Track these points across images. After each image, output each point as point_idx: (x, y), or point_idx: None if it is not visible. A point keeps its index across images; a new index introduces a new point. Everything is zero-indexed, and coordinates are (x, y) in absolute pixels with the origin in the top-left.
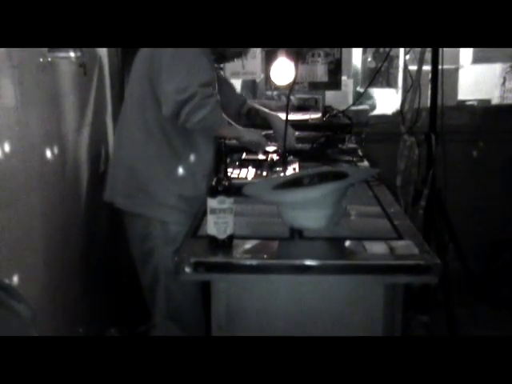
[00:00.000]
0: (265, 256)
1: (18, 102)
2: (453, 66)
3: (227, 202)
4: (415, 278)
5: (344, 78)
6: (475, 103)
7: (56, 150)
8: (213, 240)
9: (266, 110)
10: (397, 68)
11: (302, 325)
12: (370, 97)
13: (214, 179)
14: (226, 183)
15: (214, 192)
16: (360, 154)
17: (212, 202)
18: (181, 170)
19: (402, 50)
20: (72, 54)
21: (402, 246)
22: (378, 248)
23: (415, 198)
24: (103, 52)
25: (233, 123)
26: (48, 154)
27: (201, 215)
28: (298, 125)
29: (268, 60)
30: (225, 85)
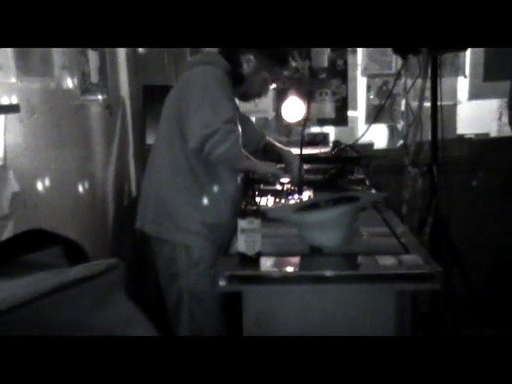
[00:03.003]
0: (290, 269)
1: (56, 142)
2: (451, 102)
3: (255, 223)
4: (421, 285)
5: (351, 112)
6: (473, 136)
7: (87, 186)
8: (243, 256)
9: (280, 145)
10: (399, 104)
11: (324, 329)
12: None
13: (244, 203)
14: (254, 207)
15: (244, 214)
16: (368, 183)
17: (242, 223)
18: (204, 200)
19: (403, 87)
20: (100, 97)
21: (409, 258)
22: (388, 261)
23: (420, 226)
24: (126, 94)
25: (251, 157)
26: (80, 189)
27: (229, 237)
28: (309, 158)
29: (279, 98)
30: (245, 122)
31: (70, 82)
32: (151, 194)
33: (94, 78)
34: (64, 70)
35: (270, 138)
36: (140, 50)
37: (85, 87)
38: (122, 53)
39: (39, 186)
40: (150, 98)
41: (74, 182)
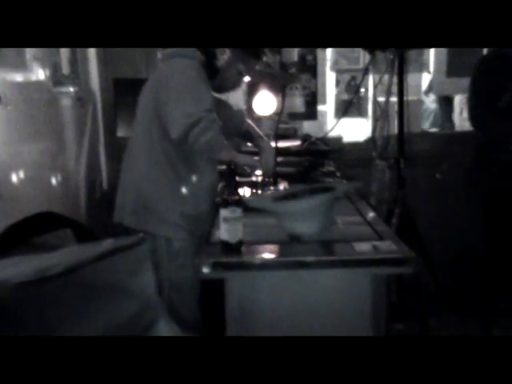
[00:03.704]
0: (271, 256)
1: (30, 134)
2: (416, 98)
3: (237, 212)
4: (395, 268)
5: (320, 107)
6: (437, 131)
7: (59, 178)
8: (225, 244)
9: (259, 134)
10: (367, 99)
11: (305, 313)
12: None
13: (226, 193)
14: (236, 196)
15: (226, 203)
16: (338, 175)
17: (225, 212)
18: (183, 191)
19: (371, 82)
20: (71, 89)
21: (383, 245)
22: (363, 247)
23: (388, 217)
24: (96, 86)
25: (230, 148)
26: (53, 181)
27: (209, 228)
28: (281, 151)
29: (250, 93)
30: (226, 107)
31: (41, 74)
32: (130, 186)
33: (66, 69)
34: (36, 61)
35: (250, 124)
36: None
37: (56, 79)
38: None
39: (14, 178)
40: (121, 90)
41: (47, 174)
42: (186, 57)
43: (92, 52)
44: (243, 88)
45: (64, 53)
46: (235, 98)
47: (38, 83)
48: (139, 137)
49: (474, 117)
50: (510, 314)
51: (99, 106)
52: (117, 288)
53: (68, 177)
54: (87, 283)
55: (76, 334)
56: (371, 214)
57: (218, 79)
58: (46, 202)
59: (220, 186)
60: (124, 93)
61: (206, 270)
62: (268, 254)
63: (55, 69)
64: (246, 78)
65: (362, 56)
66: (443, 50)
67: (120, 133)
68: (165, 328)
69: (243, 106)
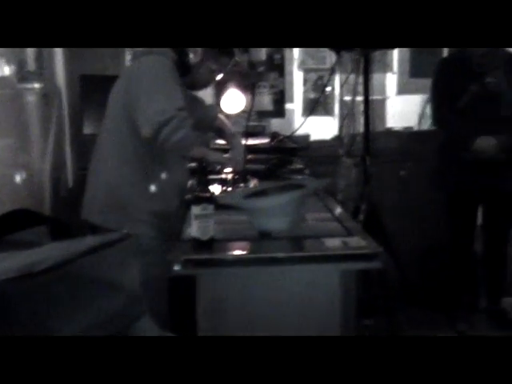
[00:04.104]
0: (242, 252)
1: None
2: (381, 97)
3: (209, 209)
4: (364, 264)
5: (288, 105)
6: (401, 129)
7: (24, 176)
8: (197, 241)
9: (231, 133)
10: (333, 98)
11: (276, 309)
12: None
13: (197, 190)
14: (208, 193)
15: (197, 200)
16: (307, 173)
17: (196, 209)
18: (153, 188)
19: (337, 82)
20: (36, 85)
21: (351, 240)
22: (333, 242)
23: (354, 213)
24: (62, 83)
25: (201, 145)
26: (17, 179)
27: (179, 225)
28: (250, 149)
29: (218, 91)
30: (198, 102)
31: (6, 70)
32: (99, 184)
33: (31, 65)
34: (0, 57)
35: (222, 120)
36: None
37: (21, 75)
38: None
39: None
40: (88, 87)
41: (11, 171)
42: (158, 54)
43: (58, 48)
44: (212, 86)
45: (30, 48)
46: (204, 96)
47: (2, 79)
48: (109, 134)
49: (436, 116)
50: (473, 308)
51: (65, 102)
52: (105, 282)
53: (32, 174)
54: (75, 278)
55: (65, 328)
56: (339, 211)
57: (190, 77)
58: (9, 199)
59: (191, 182)
60: (91, 89)
61: (177, 267)
62: (239, 251)
63: (20, 65)
64: (218, 76)
65: (329, 56)
66: (406, 51)
67: (87, 130)
68: (145, 325)
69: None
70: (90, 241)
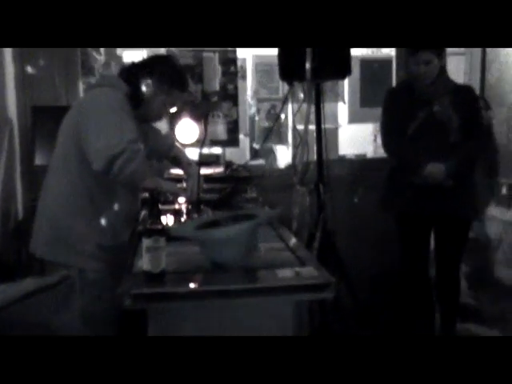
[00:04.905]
0: (194, 285)
1: None
2: (333, 126)
3: (160, 241)
4: (317, 294)
5: (241, 136)
6: (353, 157)
7: None
8: (148, 274)
9: (186, 160)
10: (286, 127)
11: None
12: (271, 151)
13: (148, 222)
14: (159, 226)
15: (149, 233)
16: (261, 201)
17: (147, 242)
18: (101, 221)
19: (290, 110)
20: None
21: (304, 270)
22: (286, 273)
23: (309, 241)
24: (13, 114)
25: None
26: None
27: (129, 257)
28: (204, 178)
29: (172, 120)
30: (154, 132)
31: None
32: (45, 215)
33: None
34: None
35: (178, 149)
36: (29, 69)
37: None
38: (10, 72)
39: None
40: (40, 118)
41: None
42: (109, 87)
43: (10, 79)
44: (166, 116)
45: None
46: (158, 126)
47: None
48: (58, 165)
49: (386, 143)
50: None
51: (16, 133)
52: (40, 327)
53: None
54: (12, 322)
55: None
56: (293, 240)
57: (143, 109)
58: None
59: (143, 214)
60: (43, 120)
61: (127, 301)
62: (191, 284)
63: None
64: (173, 108)
65: (281, 86)
66: (356, 82)
67: (38, 161)
68: None
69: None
70: (27, 285)
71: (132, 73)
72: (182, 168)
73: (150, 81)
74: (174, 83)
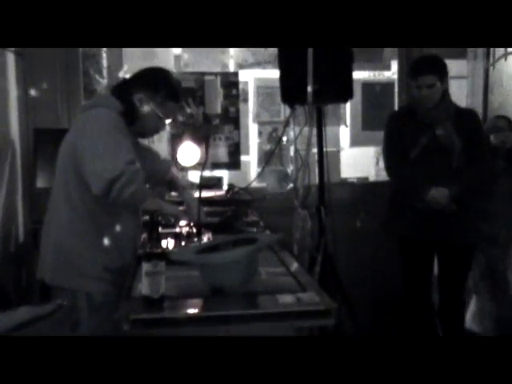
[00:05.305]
0: (193, 311)
1: None
2: (335, 149)
3: (160, 266)
4: (318, 321)
5: (243, 157)
6: (355, 180)
7: None
8: (147, 299)
9: (182, 185)
10: (288, 150)
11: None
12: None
13: (148, 246)
14: (159, 249)
15: (148, 257)
16: (262, 225)
17: (147, 266)
18: (105, 244)
19: (292, 134)
20: None
21: (306, 296)
22: (287, 299)
23: (310, 265)
24: (16, 136)
25: (155, 198)
26: None
27: (130, 279)
28: (206, 201)
29: (174, 143)
30: (151, 154)
31: None
32: (50, 241)
33: None
34: None
35: (174, 173)
36: (32, 92)
37: None
38: (13, 94)
39: None
40: (42, 140)
41: None
42: (103, 107)
43: (12, 100)
44: (167, 139)
45: None
46: (159, 149)
47: None
48: (58, 190)
49: (388, 167)
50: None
51: (18, 156)
52: None
53: None
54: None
55: None
56: (294, 265)
57: (139, 125)
58: None
59: (143, 237)
60: (44, 143)
61: (125, 327)
62: (190, 309)
63: None
64: (168, 121)
65: (283, 109)
66: (358, 105)
67: (40, 183)
68: None
69: (168, 157)
70: (20, 315)
71: (124, 89)
72: (178, 192)
73: (142, 94)
74: (168, 94)
